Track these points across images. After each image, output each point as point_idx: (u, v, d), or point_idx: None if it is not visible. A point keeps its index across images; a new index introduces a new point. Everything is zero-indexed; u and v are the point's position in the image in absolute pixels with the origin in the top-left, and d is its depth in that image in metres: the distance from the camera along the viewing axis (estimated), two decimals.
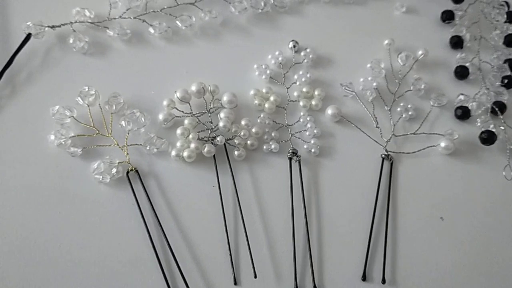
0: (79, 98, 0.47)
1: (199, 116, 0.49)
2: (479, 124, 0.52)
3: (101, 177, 0.45)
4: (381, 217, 0.46)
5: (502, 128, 0.51)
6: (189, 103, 0.49)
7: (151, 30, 0.53)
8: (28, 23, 0.51)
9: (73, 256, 0.42)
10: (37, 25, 0.51)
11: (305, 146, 0.49)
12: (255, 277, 0.42)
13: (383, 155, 0.49)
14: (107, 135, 0.47)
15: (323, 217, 0.46)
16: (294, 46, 0.54)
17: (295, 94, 0.52)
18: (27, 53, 0.51)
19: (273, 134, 0.49)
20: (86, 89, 0.48)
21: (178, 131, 0.47)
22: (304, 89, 0.52)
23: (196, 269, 0.43)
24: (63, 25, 0.52)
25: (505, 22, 0.58)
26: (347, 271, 0.44)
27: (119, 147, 0.47)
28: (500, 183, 0.49)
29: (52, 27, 0.52)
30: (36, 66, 0.51)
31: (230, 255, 0.43)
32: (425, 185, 0.49)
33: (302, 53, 0.54)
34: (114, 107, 0.48)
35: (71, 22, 0.52)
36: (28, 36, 0.51)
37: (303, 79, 0.52)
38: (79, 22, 0.52)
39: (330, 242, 0.45)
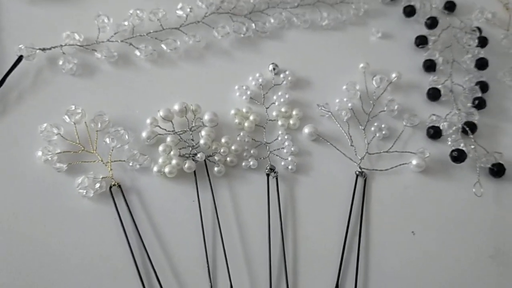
0: (66, 116, 0.49)
1: (181, 134, 0.51)
2: (450, 143, 0.54)
3: (85, 191, 0.47)
4: (355, 231, 0.48)
5: (472, 147, 0.53)
6: (172, 122, 0.51)
7: (137, 53, 0.56)
8: (20, 46, 0.53)
9: (56, 268, 0.44)
10: (28, 48, 0.53)
11: (282, 163, 0.51)
12: None
13: (357, 172, 0.51)
14: (92, 151, 0.49)
15: (298, 231, 0.48)
16: (274, 69, 0.57)
17: (274, 113, 0.54)
18: (19, 74, 0.53)
19: (252, 152, 0.51)
20: (73, 108, 0.50)
21: (160, 148, 0.49)
22: (283, 109, 0.54)
23: (174, 281, 0.44)
24: (53, 47, 0.54)
25: (477, 46, 0.61)
26: (320, 283, 0.45)
27: (103, 163, 0.49)
28: (470, 200, 0.51)
29: (43, 49, 0.54)
30: (27, 86, 0.53)
31: (208, 267, 0.45)
32: (397, 201, 0.50)
33: (282, 75, 0.56)
34: (99, 125, 0.50)
35: (61, 45, 0.55)
36: (20, 58, 0.53)
37: (282, 100, 0.54)
38: (68, 45, 0.55)
39: (305, 255, 0.47)
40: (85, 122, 0.50)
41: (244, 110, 0.53)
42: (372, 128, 0.54)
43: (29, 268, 0.43)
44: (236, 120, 0.53)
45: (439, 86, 0.57)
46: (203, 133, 0.51)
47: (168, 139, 0.50)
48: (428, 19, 0.62)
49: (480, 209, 0.51)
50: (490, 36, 0.62)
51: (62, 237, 0.45)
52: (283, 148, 0.52)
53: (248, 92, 0.55)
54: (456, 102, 0.57)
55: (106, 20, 0.56)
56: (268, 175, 0.50)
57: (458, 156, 0.52)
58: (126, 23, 0.57)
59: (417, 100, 0.57)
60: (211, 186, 0.49)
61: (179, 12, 0.58)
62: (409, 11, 0.63)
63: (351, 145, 0.53)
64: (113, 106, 0.52)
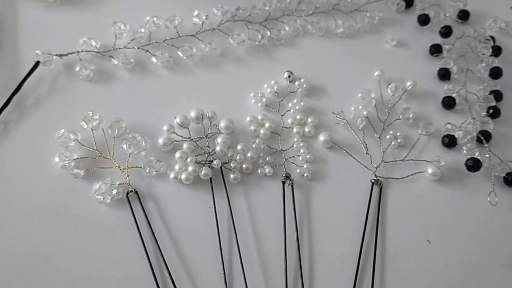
0: (83, 123, 0.50)
1: (197, 140, 0.51)
2: (465, 152, 0.54)
3: (102, 197, 0.47)
4: (370, 239, 0.48)
5: (487, 156, 0.53)
6: (188, 128, 0.51)
7: (154, 60, 0.56)
8: (37, 52, 0.54)
9: (73, 273, 0.44)
10: (45, 54, 0.54)
11: (298, 171, 0.51)
12: None
13: (373, 180, 0.51)
14: (109, 157, 0.50)
15: (314, 239, 0.48)
16: (289, 76, 0.57)
17: (289, 121, 0.54)
18: (35, 80, 0.54)
19: (267, 159, 0.51)
20: (91, 114, 0.50)
21: (177, 154, 0.50)
22: (298, 117, 0.54)
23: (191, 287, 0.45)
24: (70, 53, 0.55)
25: (491, 55, 0.61)
26: None
27: (120, 170, 0.49)
28: (485, 209, 0.51)
29: (60, 55, 0.55)
30: (44, 92, 0.53)
31: (224, 275, 0.45)
32: (413, 210, 0.50)
33: (297, 83, 0.56)
34: (116, 131, 0.50)
35: (78, 51, 0.55)
36: (37, 64, 0.53)
37: (297, 107, 0.55)
38: (85, 51, 0.55)
39: (320, 263, 0.47)
40: (102, 129, 0.50)
41: (259, 117, 0.54)
42: (388, 136, 0.54)
43: (46, 275, 0.44)
44: (252, 127, 0.53)
45: (454, 95, 0.57)
46: (219, 140, 0.51)
47: (185, 146, 0.50)
48: (443, 28, 0.63)
49: (495, 218, 0.51)
50: (504, 45, 0.62)
51: (79, 243, 0.45)
52: (299, 155, 0.52)
53: (264, 100, 0.55)
54: (471, 111, 0.57)
55: (122, 27, 0.57)
56: (283, 182, 0.50)
57: (473, 165, 0.52)
58: (142, 30, 0.57)
59: (432, 109, 0.57)
60: (227, 193, 0.49)
61: (195, 20, 0.59)
62: (424, 20, 0.64)
63: (366, 153, 0.53)
64: (130, 113, 0.53)
